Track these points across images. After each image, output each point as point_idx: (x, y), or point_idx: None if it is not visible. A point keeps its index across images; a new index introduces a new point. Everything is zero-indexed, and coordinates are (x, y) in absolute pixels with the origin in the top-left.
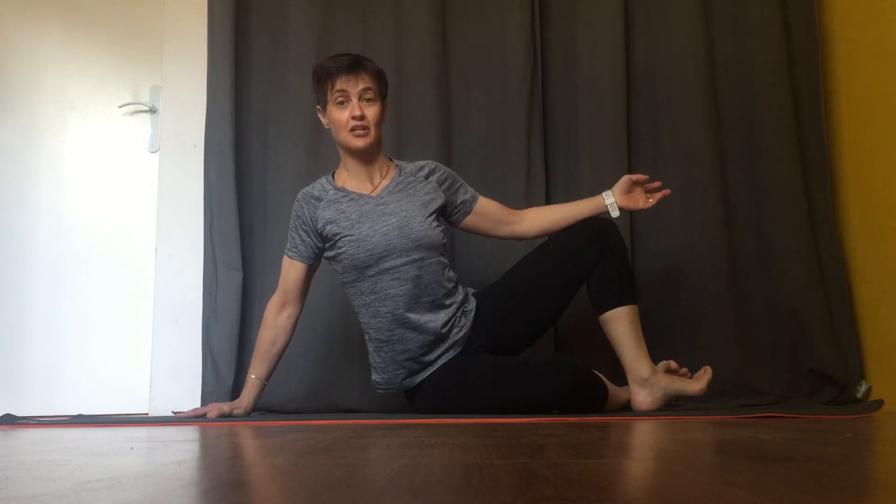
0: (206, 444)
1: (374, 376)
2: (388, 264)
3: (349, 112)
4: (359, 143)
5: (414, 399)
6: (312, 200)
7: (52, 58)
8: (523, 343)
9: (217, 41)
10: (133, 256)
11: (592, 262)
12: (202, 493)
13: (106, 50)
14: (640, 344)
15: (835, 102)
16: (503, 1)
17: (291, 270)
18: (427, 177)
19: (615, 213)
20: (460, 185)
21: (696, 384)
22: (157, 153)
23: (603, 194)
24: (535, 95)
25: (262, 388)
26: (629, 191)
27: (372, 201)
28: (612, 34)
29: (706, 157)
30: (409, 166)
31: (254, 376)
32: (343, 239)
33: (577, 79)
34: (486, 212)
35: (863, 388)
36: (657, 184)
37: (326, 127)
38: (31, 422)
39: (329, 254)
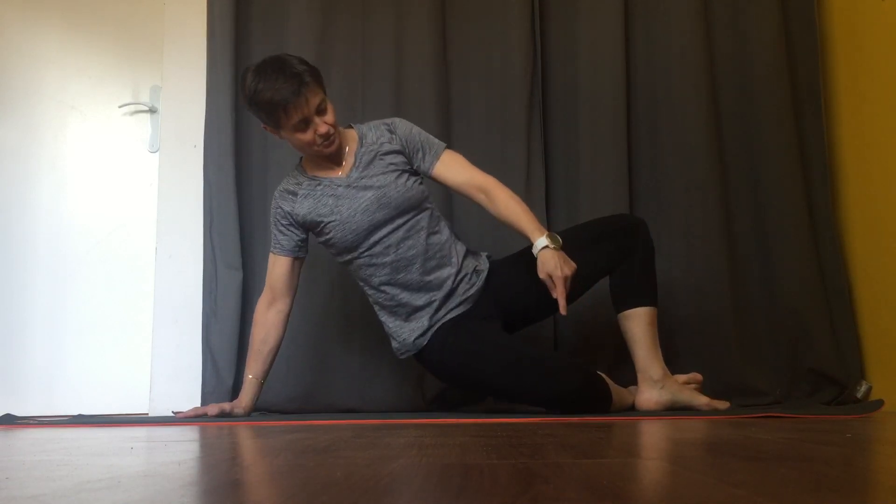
0: (206, 444)
1: (393, 344)
2: (376, 237)
3: (312, 132)
4: (330, 150)
5: (424, 356)
6: (288, 196)
7: (52, 58)
8: (527, 321)
9: (217, 41)
10: (133, 256)
11: (618, 258)
12: (202, 493)
13: (106, 50)
14: (655, 346)
15: (835, 102)
16: (503, 1)
17: (276, 266)
18: (390, 141)
19: (534, 252)
20: (417, 150)
21: (704, 399)
22: (157, 153)
23: (542, 242)
24: (535, 95)
25: (260, 387)
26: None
27: (343, 182)
28: (612, 34)
29: (706, 156)
30: (371, 133)
31: (250, 376)
32: (328, 225)
33: (577, 79)
34: (448, 183)
35: (863, 388)
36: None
37: (281, 140)
38: (31, 422)
39: (320, 240)
